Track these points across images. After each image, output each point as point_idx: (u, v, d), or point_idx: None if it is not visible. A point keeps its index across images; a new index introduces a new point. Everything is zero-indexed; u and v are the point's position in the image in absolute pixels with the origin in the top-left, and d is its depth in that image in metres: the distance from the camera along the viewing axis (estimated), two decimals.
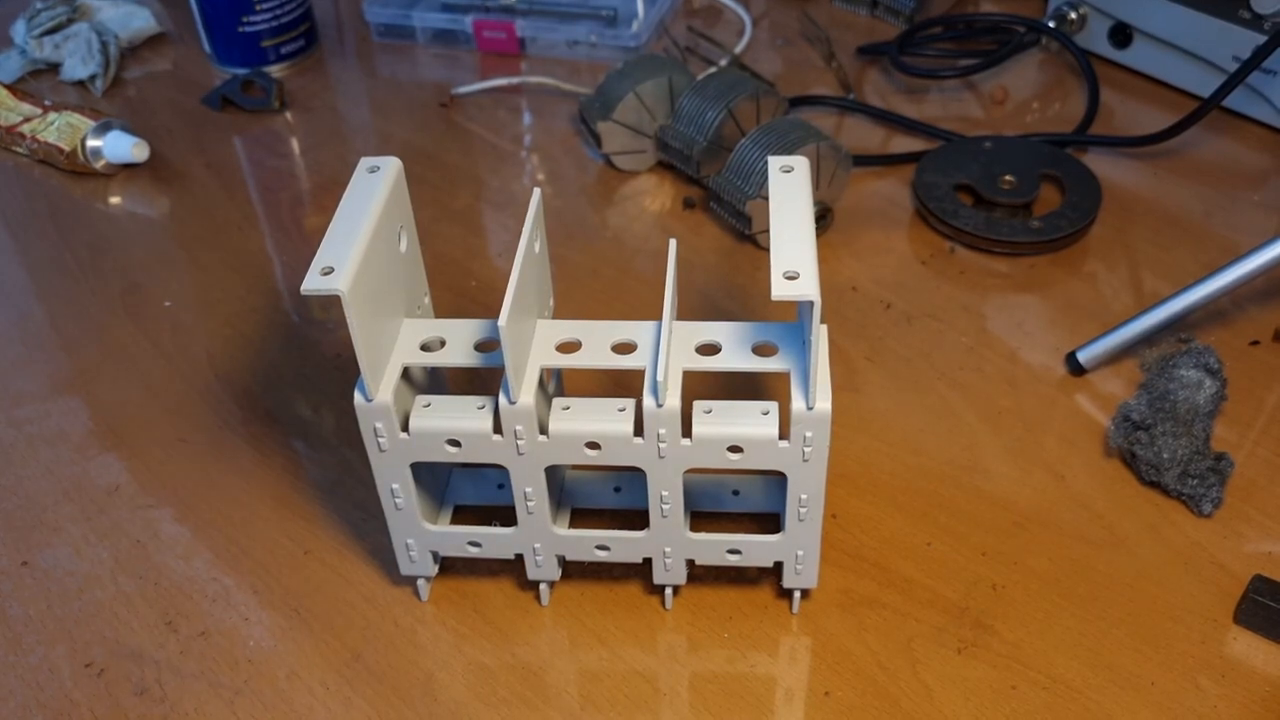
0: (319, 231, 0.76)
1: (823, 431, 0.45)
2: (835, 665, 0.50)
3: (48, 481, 0.60)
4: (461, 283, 0.71)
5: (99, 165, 0.82)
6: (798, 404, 0.44)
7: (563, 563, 0.52)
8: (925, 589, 0.53)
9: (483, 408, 0.46)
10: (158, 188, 0.81)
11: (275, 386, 0.65)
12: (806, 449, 0.45)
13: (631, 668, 0.50)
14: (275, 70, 0.92)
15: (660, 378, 0.44)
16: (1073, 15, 0.87)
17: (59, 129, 0.82)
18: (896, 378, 0.63)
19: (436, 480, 0.54)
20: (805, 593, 0.52)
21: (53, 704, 0.50)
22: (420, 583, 0.53)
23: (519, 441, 0.46)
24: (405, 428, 0.47)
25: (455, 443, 0.47)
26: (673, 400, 0.44)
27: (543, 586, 0.52)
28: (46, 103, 0.85)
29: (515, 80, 0.89)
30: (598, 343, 0.47)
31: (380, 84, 0.92)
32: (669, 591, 0.52)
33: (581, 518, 0.56)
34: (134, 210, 0.80)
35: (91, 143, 0.81)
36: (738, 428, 0.45)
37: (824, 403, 0.44)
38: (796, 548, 0.49)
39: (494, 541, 0.51)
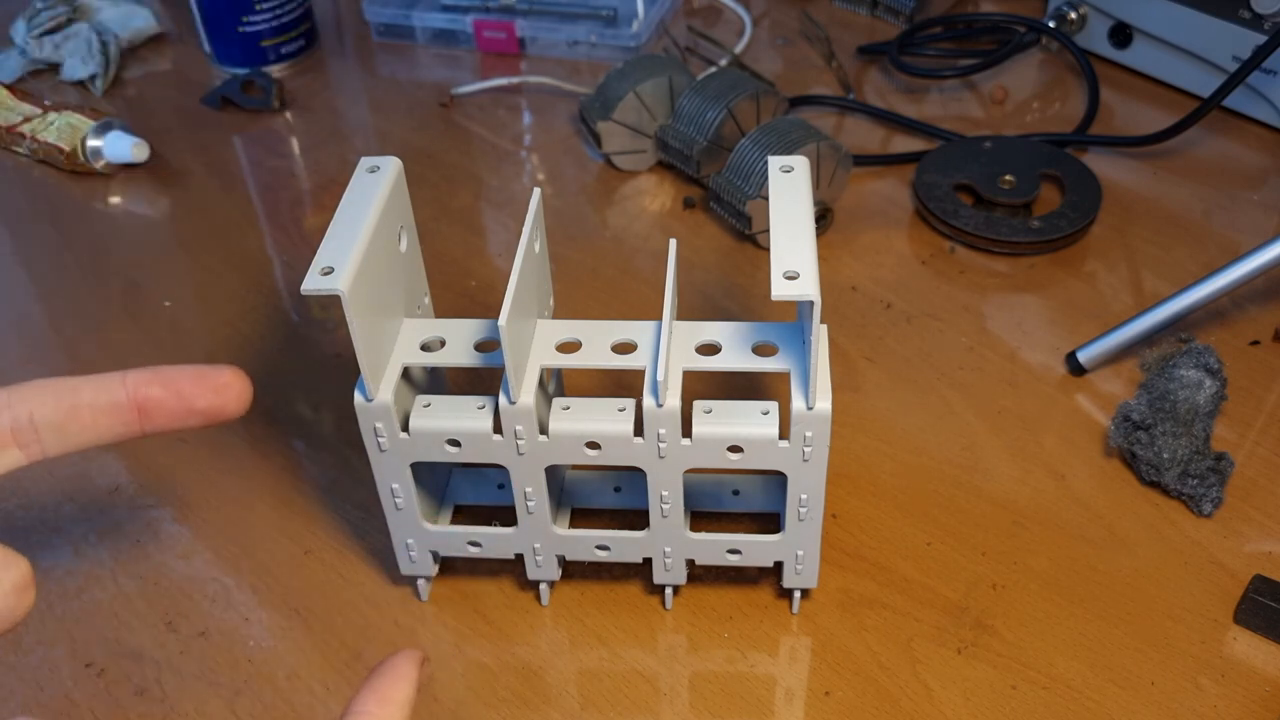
0: (319, 231, 0.76)
1: (823, 431, 0.45)
2: (835, 665, 0.50)
3: (48, 482, 0.60)
4: (461, 283, 0.71)
5: (99, 165, 0.82)
6: (798, 404, 0.44)
7: (563, 563, 0.52)
8: (925, 589, 0.53)
9: (483, 408, 0.46)
10: (158, 188, 0.81)
11: (275, 386, 0.65)
12: (806, 449, 0.45)
13: (631, 668, 0.50)
14: (275, 70, 0.92)
15: (660, 378, 0.44)
16: (1073, 15, 0.87)
17: (59, 129, 0.82)
18: (896, 378, 0.63)
19: (436, 480, 0.54)
20: (805, 593, 0.52)
21: (53, 704, 0.50)
22: (420, 583, 0.53)
23: (519, 441, 0.46)
24: (405, 428, 0.47)
25: (455, 443, 0.47)
26: (673, 400, 0.44)
27: (543, 586, 0.52)
28: (46, 103, 0.85)
29: (515, 80, 0.89)
30: (598, 343, 0.47)
31: (380, 84, 0.92)
32: (669, 591, 0.52)
33: (581, 518, 0.56)
34: (134, 210, 0.80)
35: (91, 143, 0.81)
36: (738, 428, 0.45)
37: (824, 402, 0.44)
38: (796, 548, 0.49)
39: (494, 541, 0.51)
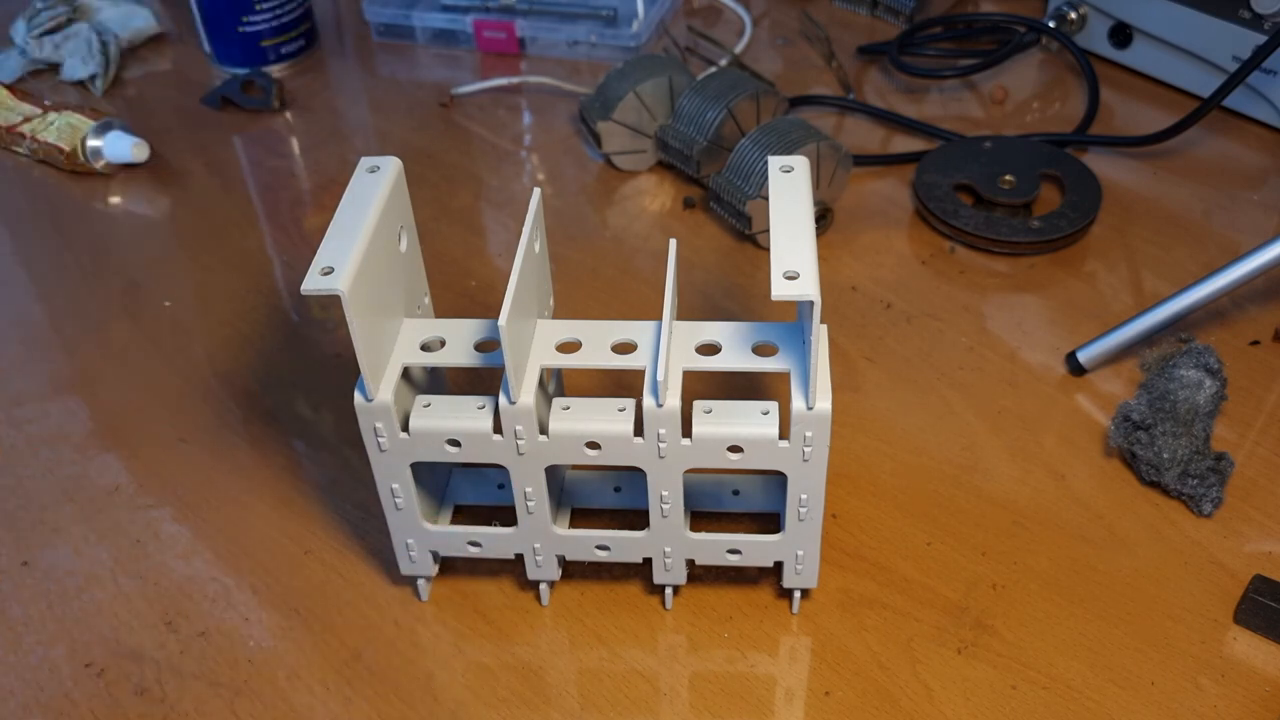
0: (319, 231, 0.76)
1: (823, 431, 0.45)
2: (835, 665, 0.50)
3: (48, 481, 0.60)
4: (461, 283, 0.71)
5: (99, 165, 0.82)
6: (798, 404, 0.44)
7: (563, 563, 0.52)
8: (925, 589, 0.53)
9: (483, 408, 0.46)
10: (158, 188, 0.81)
11: (275, 386, 0.65)
12: (806, 449, 0.45)
13: (631, 668, 0.50)
14: (275, 70, 0.92)
15: (660, 378, 0.44)
16: (1073, 15, 0.87)
17: (59, 129, 0.82)
18: (896, 378, 0.63)
19: (436, 480, 0.54)
20: (805, 593, 0.52)
21: (53, 704, 0.50)
22: (420, 583, 0.53)
23: (519, 441, 0.46)
24: (405, 428, 0.47)
25: (455, 443, 0.47)
26: (673, 400, 0.44)
27: (543, 586, 0.52)
28: (46, 103, 0.85)
29: (515, 80, 0.89)
30: (598, 343, 0.47)
31: (380, 84, 0.92)
32: (669, 591, 0.52)
33: (581, 518, 0.56)
34: (134, 210, 0.80)
35: (91, 143, 0.81)
36: (738, 428, 0.45)
37: (824, 402, 0.44)
38: (796, 548, 0.49)
39: (494, 541, 0.51)
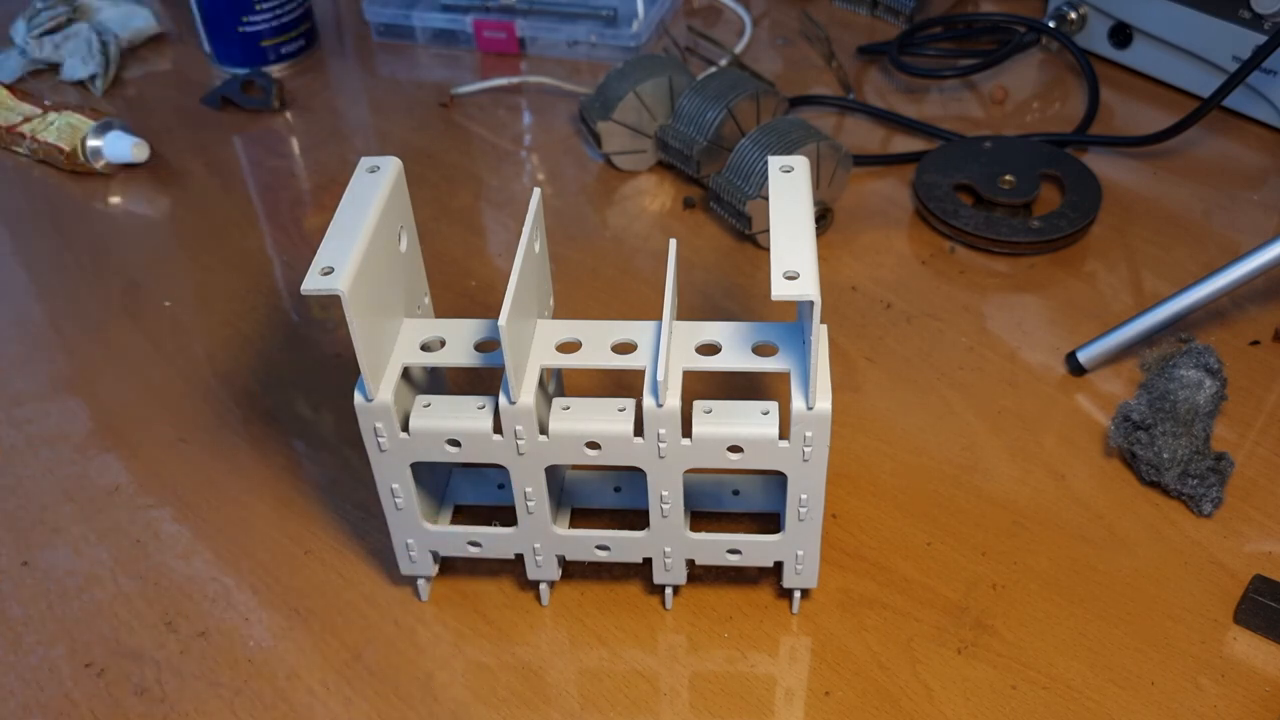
0: (319, 231, 0.76)
1: (823, 431, 0.45)
2: (835, 665, 0.50)
3: (48, 481, 0.60)
4: (461, 283, 0.71)
5: (99, 165, 0.82)
6: (798, 404, 0.44)
7: (563, 563, 0.52)
8: (925, 589, 0.53)
9: (483, 408, 0.46)
10: (158, 188, 0.81)
11: (275, 386, 0.65)
12: (806, 449, 0.45)
13: (631, 668, 0.50)
14: (275, 70, 0.92)
15: (660, 378, 0.44)
16: (1073, 15, 0.87)
17: (59, 129, 0.82)
18: (896, 378, 0.63)
19: (436, 480, 0.54)
20: (805, 593, 0.52)
21: (53, 704, 0.50)
22: (420, 583, 0.53)
23: (519, 441, 0.46)
24: (405, 428, 0.47)
25: (455, 443, 0.47)
26: (673, 400, 0.44)
27: (543, 586, 0.52)
28: (46, 103, 0.85)
29: (515, 80, 0.89)
30: (598, 343, 0.47)
31: (380, 83, 0.92)
32: (669, 591, 0.52)
33: (581, 518, 0.56)
34: (134, 210, 0.80)
35: (91, 143, 0.81)
36: (738, 428, 0.45)
37: (824, 402, 0.44)
38: (796, 547, 0.49)
39: (494, 541, 0.51)
